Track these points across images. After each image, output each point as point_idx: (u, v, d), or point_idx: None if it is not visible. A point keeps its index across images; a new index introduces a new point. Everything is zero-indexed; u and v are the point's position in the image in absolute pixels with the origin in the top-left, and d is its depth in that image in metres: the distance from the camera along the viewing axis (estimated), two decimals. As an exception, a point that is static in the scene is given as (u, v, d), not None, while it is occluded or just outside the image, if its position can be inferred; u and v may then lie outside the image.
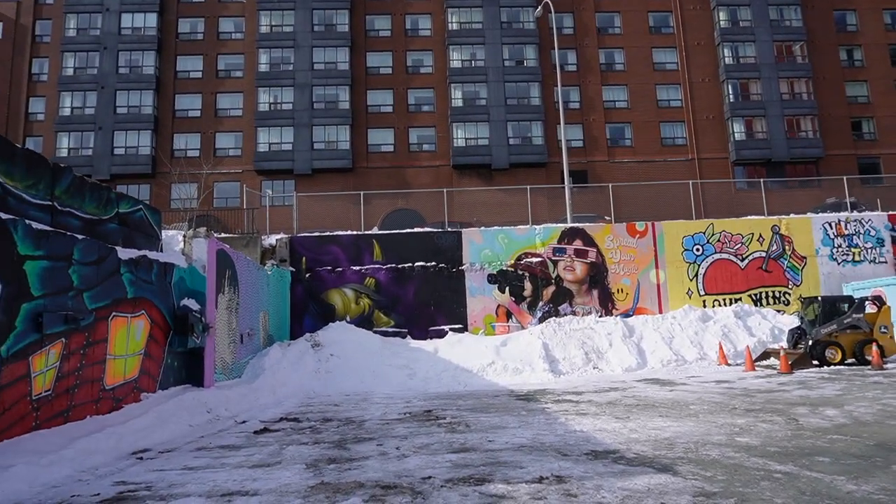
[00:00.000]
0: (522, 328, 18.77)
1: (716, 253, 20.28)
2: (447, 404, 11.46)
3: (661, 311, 19.50)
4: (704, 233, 20.42)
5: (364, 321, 19.17)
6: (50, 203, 8.48)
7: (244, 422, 10.32)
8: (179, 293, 11.45)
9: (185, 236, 12.46)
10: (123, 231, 10.43)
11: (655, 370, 16.05)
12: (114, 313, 8.94)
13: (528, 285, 19.47)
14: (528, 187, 21.76)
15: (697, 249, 20.33)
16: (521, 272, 19.55)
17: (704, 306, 19.54)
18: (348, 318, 19.35)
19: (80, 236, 8.19)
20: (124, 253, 9.44)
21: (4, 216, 6.77)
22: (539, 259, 19.61)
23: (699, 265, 20.18)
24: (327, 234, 20.46)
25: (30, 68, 36.99)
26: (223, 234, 19.00)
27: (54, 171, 8.63)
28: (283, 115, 36.53)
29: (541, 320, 18.89)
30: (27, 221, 7.12)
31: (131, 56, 36.63)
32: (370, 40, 38.59)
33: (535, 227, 19.97)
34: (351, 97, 37.07)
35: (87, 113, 35.99)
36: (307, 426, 9.48)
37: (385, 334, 18.61)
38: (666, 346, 16.85)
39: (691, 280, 19.97)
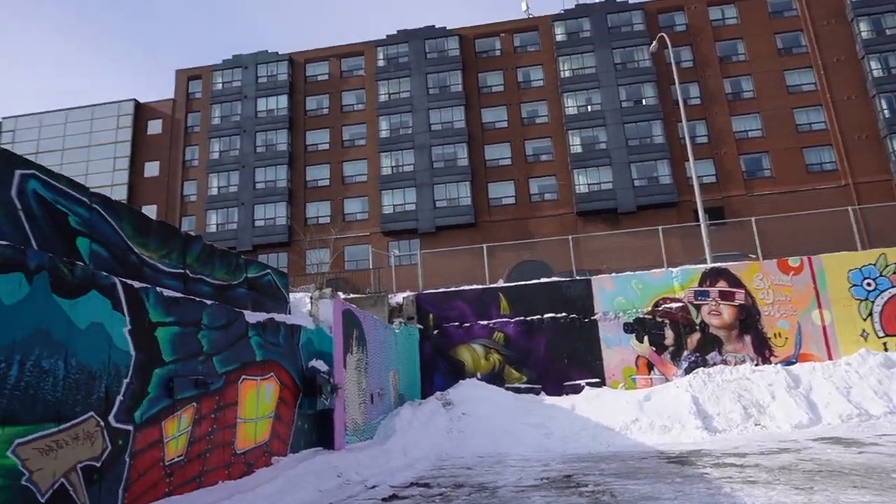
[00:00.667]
0: (667, 380, 17.09)
1: (892, 287, 17.48)
2: (588, 468, 10.34)
3: (830, 357, 16.94)
4: (875, 265, 17.73)
5: (495, 377, 18.44)
6: (182, 271, 8.80)
7: (374, 487, 9.89)
8: (307, 354, 11.47)
9: (311, 298, 12.64)
10: (252, 295, 10.67)
11: (833, 427, 13.73)
12: (243, 376, 8.99)
13: (669, 333, 17.82)
14: (661, 228, 20.30)
15: (868, 284, 17.63)
16: (659, 319, 17.97)
17: (886, 349, 16.74)
18: (479, 375, 18.73)
19: (208, 301, 8.36)
20: (252, 316, 9.58)
21: (138, 285, 6.99)
22: (679, 304, 17.95)
23: (873, 302, 17.45)
24: (452, 289, 20.22)
25: (184, 156, 41.38)
26: (351, 295, 19.35)
27: (186, 240, 8.99)
28: (404, 176, 37.71)
29: (687, 371, 17.10)
30: (158, 289, 7.32)
31: (266, 136, 39.87)
32: (484, 97, 39.22)
33: (672, 269, 18.42)
34: (469, 153, 37.59)
35: (231, 191, 39.36)
36: (437, 493, 8.84)
37: (517, 391, 17.74)
38: (843, 398, 14.45)
39: (865, 320, 17.27)
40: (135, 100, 42.38)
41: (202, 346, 8.02)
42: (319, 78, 41.40)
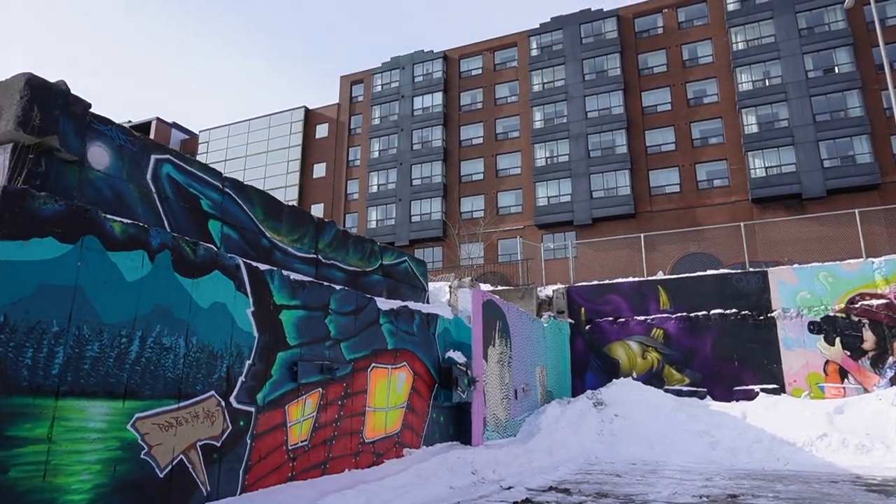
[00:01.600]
0: (865, 391, 14.38)
1: None
2: (760, 488, 8.78)
3: None
4: None
5: (653, 378, 16.86)
6: (314, 256, 8.79)
7: (510, 488, 9.23)
8: (444, 345, 11.10)
9: (450, 287, 12.27)
10: (387, 282, 10.50)
11: None
12: (373, 364, 8.78)
13: (868, 335, 14.98)
14: (857, 211, 17.22)
15: None
16: (855, 318, 15.19)
17: None
18: (634, 375, 17.26)
19: (337, 287, 8.24)
20: (384, 303, 9.36)
21: (263, 267, 6.97)
22: (883, 301, 15.02)
23: None
24: (606, 282, 18.89)
25: (347, 156, 43.73)
26: (499, 287, 18.81)
27: (318, 225, 8.97)
28: (559, 167, 36.47)
29: (893, 381, 14.26)
30: (284, 272, 7.27)
31: (422, 133, 40.77)
32: (644, 79, 36.66)
33: (873, 260, 15.48)
34: (628, 140, 35.35)
35: (390, 188, 40.83)
36: (575, 501, 7.95)
37: (678, 393, 16.03)
38: None
39: None
40: (305, 107, 45.66)
41: (329, 332, 7.90)
42: (473, 72, 41.47)
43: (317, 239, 8.88)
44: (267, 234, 7.96)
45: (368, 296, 8.98)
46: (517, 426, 13.87)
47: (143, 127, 48.42)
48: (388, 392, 9.15)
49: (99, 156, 5.90)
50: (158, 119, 48.60)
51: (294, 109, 45.83)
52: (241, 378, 6.40)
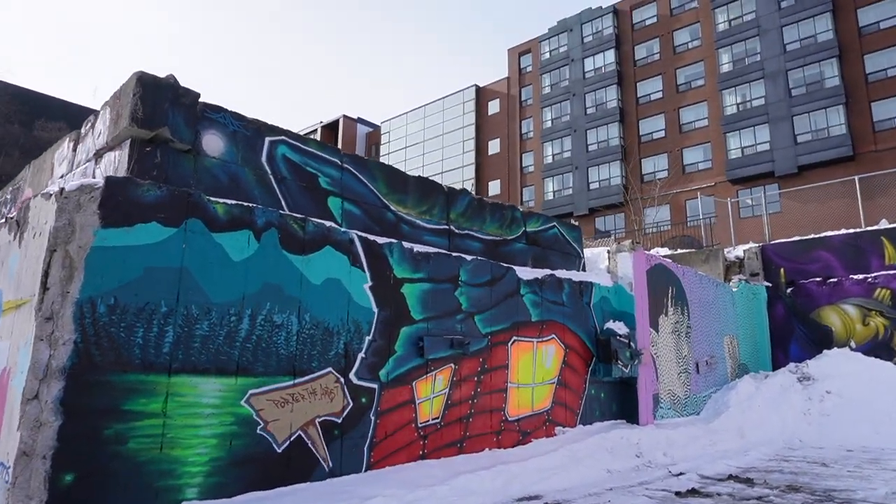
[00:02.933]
0: None
1: None
2: None
3: None
4: None
5: (878, 348, 14.10)
6: (446, 227, 8.46)
7: (680, 474, 8.16)
8: (602, 315, 10.17)
9: (609, 252, 11.21)
10: (533, 251, 9.86)
11: None
12: (515, 338, 8.25)
13: None
14: None
15: None
16: None
17: None
18: (852, 345, 14.57)
19: (468, 257, 7.82)
20: (525, 273, 8.75)
21: (381, 240, 6.80)
22: None
23: None
24: (811, 236, 16.14)
25: (520, 129, 43.13)
26: (677, 251, 17.00)
27: (449, 195, 8.62)
28: (754, 112, 32.21)
29: None
30: (405, 244, 7.04)
31: (596, 95, 38.66)
32: (861, -7, 30.73)
33: None
34: (840, 70, 30.00)
35: (565, 156, 39.46)
36: (755, 495, 6.71)
37: (913, 367, 13.18)
38: None
39: None
40: (475, 85, 45.88)
41: (461, 304, 7.53)
42: (647, 22, 38.18)
43: (448, 209, 8.54)
44: (392, 207, 7.79)
45: (506, 265, 8.44)
46: (700, 403, 12.41)
47: (332, 125, 52.51)
48: (535, 367, 8.56)
49: (213, 143, 6.10)
50: (345, 116, 52.33)
51: (465, 89, 46.31)
52: (361, 354, 6.29)
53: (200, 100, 6.10)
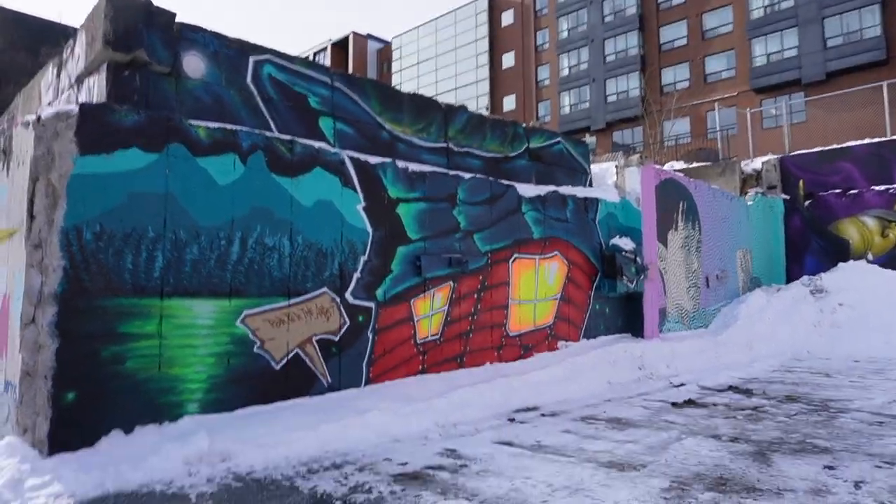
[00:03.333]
0: None
1: None
2: None
3: None
4: None
5: (893, 260, 13.89)
6: (444, 145, 8.29)
7: (680, 385, 8.32)
8: (608, 231, 10.07)
9: (616, 167, 10.96)
10: (536, 167, 9.67)
11: None
12: (515, 255, 8.25)
13: None
14: None
15: None
16: None
17: None
18: (870, 257, 14.37)
19: (466, 175, 7.70)
20: (527, 189, 8.63)
21: (374, 160, 6.70)
22: None
23: None
24: (833, 147, 15.59)
25: (535, 41, 41.50)
26: (692, 165, 16.57)
27: (446, 112, 8.40)
28: (782, 15, 30.49)
29: None
30: (399, 164, 6.93)
31: (614, 2, 36.74)
32: None
33: None
34: (878, -36, 27.97)
35: (582, 69, 38.07)
36: (750, 406, 6.82)
37: (930, 277, 13.02)
38: None
39: None
40: (488, -6, 43.81)
41: (458, 223, 7.49)
42: (670, -81, 35.65)
43: (445, 127, 8.34)
44: (386, 126, 7.63)
45: (507, 182, 8.32)
46: (709, 317, 12.46)
47: (342, 43, 51.02)
48: (537, 283, 8.59)
49: (194, 64, 5.94)
50: (354, 33, 50.72)
51: (477, 0, 44.33)
52: (357, 274, 6.34)
53: (179, 21, 5.89)
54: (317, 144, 6.20)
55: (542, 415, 6.52)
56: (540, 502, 3.77)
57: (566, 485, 4.08)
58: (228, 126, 5.52)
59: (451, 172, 7.55)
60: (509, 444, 5.25)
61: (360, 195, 6.46)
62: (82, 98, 5.87)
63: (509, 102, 42.04)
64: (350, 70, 50.67)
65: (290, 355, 5.73)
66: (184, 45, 5.89)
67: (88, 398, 4.53)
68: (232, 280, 5.38)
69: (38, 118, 4.72)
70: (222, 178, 5.37)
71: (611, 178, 11.01)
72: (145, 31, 5.53)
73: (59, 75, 6.67)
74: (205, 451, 4.56)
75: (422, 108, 8.05)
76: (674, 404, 7.04)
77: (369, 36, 52.21)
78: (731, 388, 8.06)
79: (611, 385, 8.25)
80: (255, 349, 5.48)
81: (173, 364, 4.97)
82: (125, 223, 4.78)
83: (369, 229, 6.51)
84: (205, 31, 6.08)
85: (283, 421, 5.24)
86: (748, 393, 7.67)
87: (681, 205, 12.12)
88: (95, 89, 5.56)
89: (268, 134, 5.79)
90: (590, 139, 35.57)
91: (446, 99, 44.16)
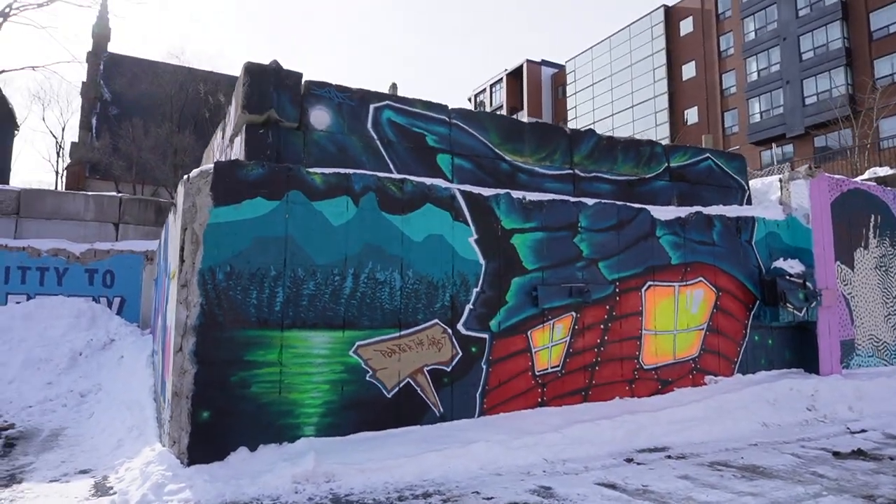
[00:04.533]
0: None
1: None
2: None
3: None
4: None
5: None
6: (569, 171, 8.15)
7: (860, 431, 7.19)
8: (769, 253, 9.05)
9: (780, 181, 9.77)
10: (678, 187, 9.05)
11: None
12: (649, 283, 7.77)
13: None
14: None
15: None
16: None
17: None
18: None
19: (589, 201, 7.49)
20: (663, 212, 8.12)
21: (486, 192, 6.83)
22: None
23: None
24: None
25: (718, 47, 38.62)
26: (888, 172, 14.13)
27: (571, 137, 8.26)
28: None
29: None
30: (513, 194, 6.98)
31: (809, -8, 32.95)
32: None
33: None
34: None
35: (773, 71, 34.57)
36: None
37: None
38: None
39: None
40: (663, 5, 41.83)
41: (581, 251, 7.29)
42: None
43: (571, 152, 8.21)
44: (507, 157, 7.73)
45: (637, 206, 7.91)
46: (917, 350, 10.51)
47: (517, 72, 52.06)
48: (676, 312, 7.99)
49: (319, 117, 6.63)
50: (528, 60, 51.50)
51: (653, 12, 42.56)
52: (469, 306, 6.48)
53: (308, 79, 6.62)
54: (428, 181, 6.51)
55: (668, 456, 6.04)
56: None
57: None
58: (342, 170, 6.05)
59: (573, 199, 7.40)
60: (612, 486, 4.98)
61: (472, 227, 6.62)
62: (232, 155, 6.83)
63: (692, 115, 39.43)
64: (525, 99, 51.47)
65: (402, 384, 6.01)
66: (310, 101, 6.60)
67: (220, 417, 5.21)
68: (345, 313, 5.84)
69: (188, 177, 5.62)
70: (336, 218, 5.89)
71: (774, 194, 9.86)
72: (275, 94, 6.32)
73: (222, 136, 7.83)
74: (311, 471, 4.98)
75: (544, 136, 8.03)
76: (836, 454, 6.09)
77: (543, 62, 52.63)
78: (923, 439, 6.75)
79: (766, 427, 7.36)
80: (367, 378, 5.86)
81: (292, 390, 5.52)
82: (251, 264, 5.46)
83: (482, 261, 6.62)
84: (329, 85, 6.75)
85: (388, 448, 5.52)
86: (941, 447, 6.37)
87: (873, 219, 10.49)
88: (238, 147, 6.45)
89: (380, 175, 6.22)
90: (776, 150, 32.02)
91: (624, 118, 42.82)
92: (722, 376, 8.25)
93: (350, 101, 6.83)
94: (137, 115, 28.72)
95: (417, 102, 7.28)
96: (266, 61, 6.43)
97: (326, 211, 5.85)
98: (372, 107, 6.97)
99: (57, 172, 32.97)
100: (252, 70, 6.26)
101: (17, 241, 11.23)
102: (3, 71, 21.13)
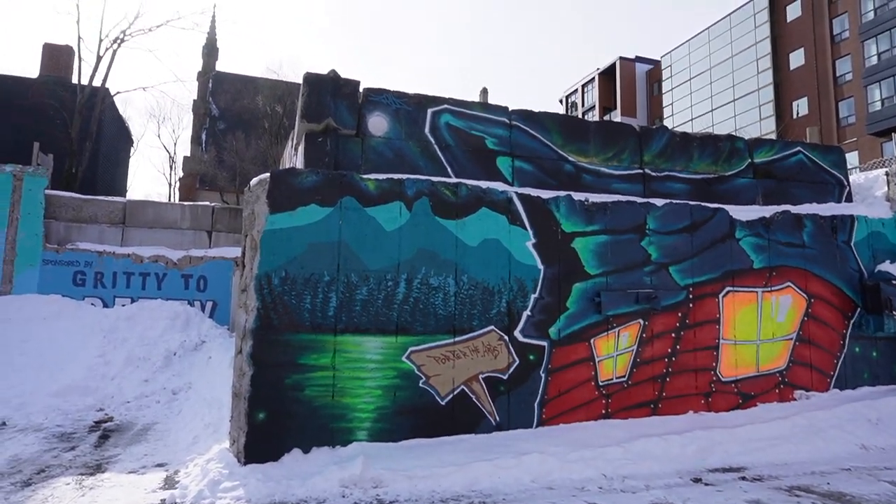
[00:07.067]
0: None
1: None
2: None
3: None
4: None
5: None
6: (639, 171, 7.76)
7: (979, 457, 6.30)
8: (872, 255, 8.18)
9: (888, 174, 8.77)
10: (764, 185, 8.38)
11: None
12: (727, 288, 7.24)
13: None
14: None
15: None
16: None
17: None
18: None
19: (659, 202, 7.09)
20: (743, 212, 7.54)
21: (546, 195, 6.63)
22: None
23: None
24: None
25: (830, 31, 35.61)
26: None
27: (641, 135, 7.87)
28: None
29: None
30: (575, 196, 6.73)
31: (938, -36, 29.67)
32: None
33: None
34: None
35: (895, 53, 31.42)
36: None
37: None
38: None
39: None
40: (769, -10, 39.09)
41: (649, 255, 6.92)
42: None
43: (640, 151, 7.81)
44: (570, 158, 7.48)
45: (714, 206, 7.41)
46: None
47: (609, 70, 50.61)
48: (760, 321, 7.39)
49: (377, 123, 6.71)
50: (621, 58, 49.90)
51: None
52: (527, 312, 6.31)
53: (367, 86, 6.72)
54: (484, 185, 6.41)
55: (742, 478, 5.58)
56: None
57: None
58: (395, 176, 6.08)
59: (640, 200, 7.03)
60: (669, 510, 4.65)
61: (530, 231, 6.45)
62: (297, 164, 7.06)
63: (801, 106, 36.61)
64: (618, 98, 49.91)
65: (456, 391, 5.95)
66: (367, 108, 6.69)
67: (275, 418, 5.37)
68: (398, 318, 5.85)
69: (249, 186, 5.85)
70: (389, 224, 5.92)
71: (880, 189, 8.90)
72: (332, 102, 6.46)
73: (291, 146, 8.11)
74: (358, 476, 5.02)
75: (611, 135, 7.70)
76: (943, 483, 5.37)
77: (637, 59, 50.77)
78: None
79: (865, 450, 6.64)
80: (420, 384, 5.84)
81: (345, 394, 5.59)
82: (305, 269, 5.60)
83: (540, 266, 6.43)
84: (387, 91, 6.82)
85: (438, 455, 5.46)
86: None
87: None
88: (300, 155, 6.65)
89: (434, 179, 6.20)
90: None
91: (724, 114, 40.56)
92: (815, 391, 7.54)
93: (407, 107, 6.87)
94: (240, 128, 30.48)
95: (476, 105, 7.21)
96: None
97: (379, 216, 5.90)
98: (430, 111, 6.96)
99: (170, 185, 35.64)
100: (310, 80, 6.44)
101: (123, 249, 12.21)
102: (118, 92, 23.08)
